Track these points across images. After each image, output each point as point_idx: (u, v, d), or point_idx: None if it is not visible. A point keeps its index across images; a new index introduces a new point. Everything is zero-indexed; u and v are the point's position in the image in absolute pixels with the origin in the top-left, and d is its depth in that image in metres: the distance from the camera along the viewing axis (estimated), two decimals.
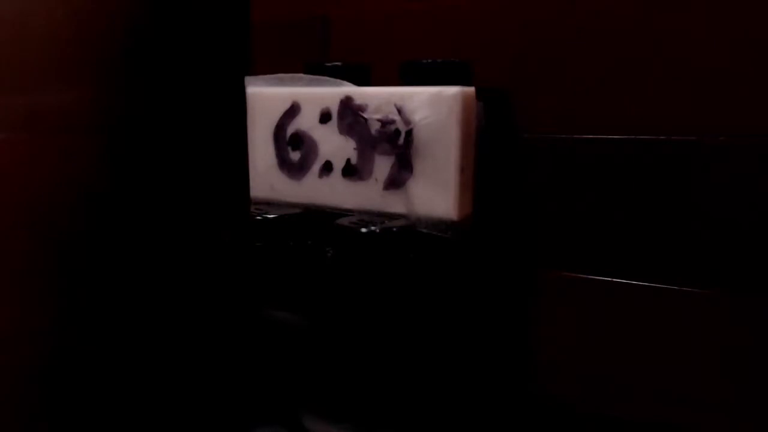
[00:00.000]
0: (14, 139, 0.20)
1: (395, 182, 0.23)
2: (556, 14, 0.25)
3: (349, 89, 0.24)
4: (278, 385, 0.26)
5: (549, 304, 0.27)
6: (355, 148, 0.24)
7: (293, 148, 0.25)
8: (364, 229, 0.22)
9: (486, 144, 0.24)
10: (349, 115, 0.24)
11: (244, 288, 0.26)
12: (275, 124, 0.26)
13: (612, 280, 0.26)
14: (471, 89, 0.22)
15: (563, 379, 0.27)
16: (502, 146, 0.26)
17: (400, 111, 0.23)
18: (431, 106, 0.22)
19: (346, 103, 0.24)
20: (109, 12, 0.21)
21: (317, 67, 0.25)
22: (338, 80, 0.24)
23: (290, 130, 0.25)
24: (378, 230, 0.22)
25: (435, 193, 0.22)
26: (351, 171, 0.24)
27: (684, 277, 0.24)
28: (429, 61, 0.23)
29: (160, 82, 0.23)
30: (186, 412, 0.24)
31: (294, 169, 0.25)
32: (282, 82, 0.25)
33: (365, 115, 0.23)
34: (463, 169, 0.22)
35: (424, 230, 0.23)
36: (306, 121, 0.25)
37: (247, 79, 0.25)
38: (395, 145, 0.23)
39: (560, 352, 0.27)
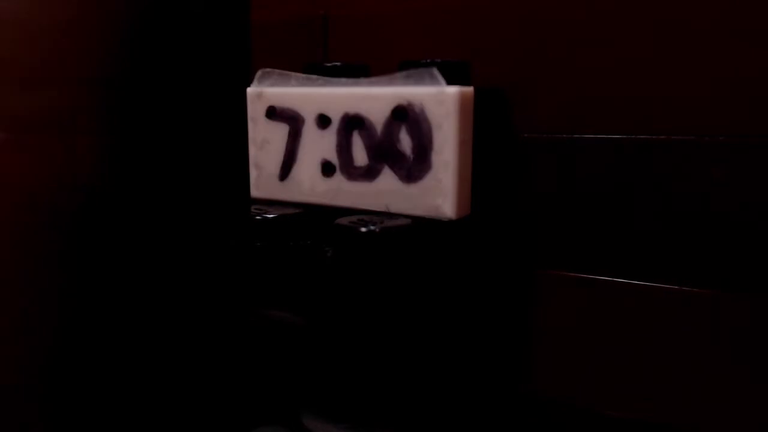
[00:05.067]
0: (14, 139, 0.20)
1: (394, 182, 0.23)
2: (556, 14, 0.25)
3: (348, 90, 0.24)
4: (278, 385, 0.26)
5: (549, 304, 0.27)
6: (353, 149, 0.24)
7: (292, 148, 0.25)
8: (363, 229, 0.22)
9: (485, 144, 0.24)
10: (349, 117, 0.24)
11: (244, 288, 0.26)
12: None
13: (612, 280, 0.26)
14: (470, 89, 0.22)
15: (563, 379, 0.27)
16: (501, 146, 0.26)
17: (397, 111, 0.23)
18: (430, 106, 0.22)
19: (347, 105, 0.24)
20: (109, 13, 0.21)
21: (317, 67, 0.25)
22: (339, 79, 0.24)
23: (290, 129, 0.25)
24: (377, 230, 0.22)
25: (433, 193, 0.22)
26: (349, 171, 0.24)
27: (684, 277, 0.24)
28: (428, 61, 0.23)
29: (160, 82, 0.23)
30: (187, 412, 0.24)
31: (293, 169, 0.25)
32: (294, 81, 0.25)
33: (363, 116, 0.23)
34: (461, 169, 0.22)
35: (423, 230, 0.23)
36: (306, 122, 0.25)
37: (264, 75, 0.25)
38: (394, 145, 0.23)
39: (560, 353, 0.27)
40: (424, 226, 0.23)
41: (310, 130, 0.25)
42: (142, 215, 0.23)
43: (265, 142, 0.26)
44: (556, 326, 0.27)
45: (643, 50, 0.24)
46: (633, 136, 0.24)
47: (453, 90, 0.21)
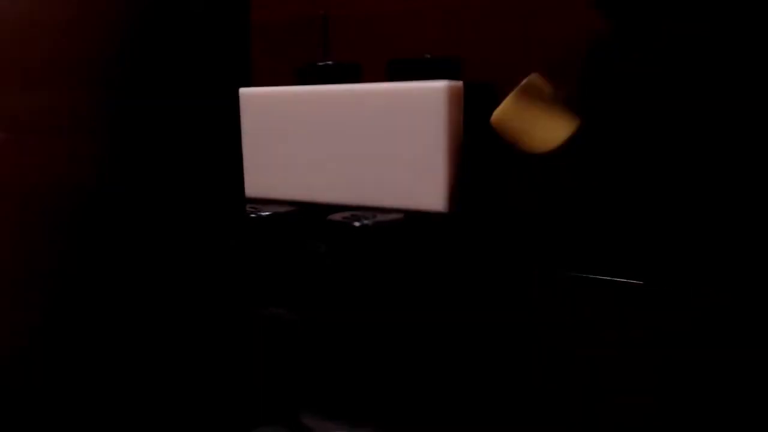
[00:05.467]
0: (14, 139, 0.21)
1: (387, 177, 0.23)
2: (556, 13, 0.25)
3: (340, 88, 0.24)
4: (278, 385, 0.26)
5: (548, 304, 0.26)
6: (344, 143, 0.24)
7: (286, 146, 0.25)
8: (356, 224, 0.22)
9: (476, 139, 0.24)
10: (340, 113, 0.24)
11: (240, 286, 0.27)
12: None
13: (612, 280, 0.25)
14: (458, 83, 0.22)
15: (563, 380, 0.27)
16: (491, 140, 0.26)
17: (388, 107, 0.23)
18: (419, 101, 0.22)
19: (340, 103, 0.24)
20: (109, 13, 0.21)
21: (309, 67, 0.25)
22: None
23: (284, 126, 0.25)
24: (370, 225, 0.22)
25: (425, 187, 0.22)
26: (344, 168, 0.24)
27: (684, 277, 0.24)
28: (416, 58, 0.23)
29: (160, 82, 0.24)
30: (186, 412, 0.24)
31: (287, 167, 0.25)
32: None
33: (356, 114, 0.23)
34: (452, 163, 0.22)
35: (416, 224, 0.23)
36: (298, 118, 0.25)
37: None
38: (384, 139, 0.23)
39: (560, 352, 0.26)
40: (416, 220, 0.23)
41: (303, 128, 0.25)
42: (142, 215, 0.23)
43: (259, 140, 0.26)
44: (554, 325, 0.26)
45: None
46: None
47: (442, 84, 0.22)
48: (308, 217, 0.24)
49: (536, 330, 0.27)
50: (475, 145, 0.24)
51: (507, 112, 0.23)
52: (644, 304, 0.25)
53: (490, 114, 0.26)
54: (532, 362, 0.27)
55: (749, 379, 0.23)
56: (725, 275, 0.23)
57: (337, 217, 0.23)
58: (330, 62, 0.26)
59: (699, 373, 0.24)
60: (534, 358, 0.27)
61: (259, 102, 0.26)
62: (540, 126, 0.23)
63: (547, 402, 0.27)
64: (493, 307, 0.27)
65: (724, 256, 0.23)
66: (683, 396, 0.24)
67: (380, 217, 0.22)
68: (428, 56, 0.23)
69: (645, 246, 0.25)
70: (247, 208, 0.25)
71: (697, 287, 0.24)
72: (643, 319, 0.25)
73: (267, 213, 0.24)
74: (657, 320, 0.25)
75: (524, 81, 0.23)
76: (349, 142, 0.24)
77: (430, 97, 0.22)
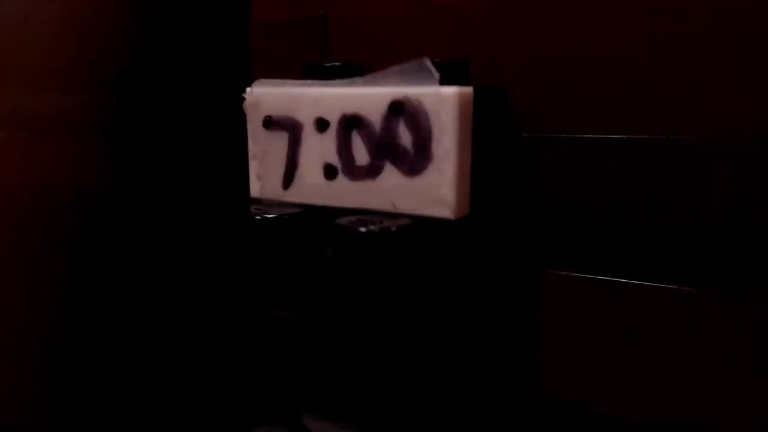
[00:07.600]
0: (14, 139, 0.20)
1: (397, 177, 0.23)
2: (558, 15, 0.25)
3: (343, 90, 0.24)
4: (278, 385, 0.26)
5: (549, 304, 0.27)
6: (353, 149, 0.24)
7: (293, 155, 0.25)
8: (363, 229, 0.22)
9: (485, 144, 0.24)
10: (347, 118, 0.24)
11: (244, 288, 0.26)
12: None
13: (612, 280, 0.25)
14: (469, 89, 0.22)
15: (563, 380, 0.27)
16: (501, 146, 0.26)
17: (394, 106, 0.23)
18: (429, 107, 0.22)
19: (344, 106, 0.24)
20: (109, 12, 0.21)
21: (315, 67, 0.25)
22: (334, 81, 0.24)
23: (290, 137, 0.25)
24: (377, 230, 0.22)
25: (437, 184, 0.22)
26: (352, 171, 0.24)
27: (684, 277, 0.24)
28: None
29: (160, 82, 0.23)
30: (186, 412, 0.24)
31: (296, 176, 0.25)
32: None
33: (361, 115, 0.23)
34: (462, 162, 0.22)
35: (423, 230, 0.23)
36: (305, 128, 0.25)
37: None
38: (393, 140, 0.23)
39: (561, 353, 0.27)
40: (424, 226, 0.23)
41: (309, 135, 0.25)
42: (143, 216, 0.23)
43: (265, 153, 0.26)
44: (555, 326, 0.27)
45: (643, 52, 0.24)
46: (633, 136, 0.24)
47: (452, 90, 0.21)
48: (314, 221, 0.24)
49: (541, 334, 0.27)
50: (484, 151, 0.24)
51: None
52: (648, 305, 0.25)
53: (501, 119, 0.26)
54: (535, 367, 0.27)
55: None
56: (727, 276, 0.24)
57: (344, 221, 0.23)
58: (337, 63, 0.25)
59: (701, 372, 0.24)
60: (538, 364, 0.27)
61: (263, 112, 0.25)
62: None
63: (548, 403, 0.27)
64: (497, 313, 0.27)
65: (725, 257, 0.23)
66: (684, 394, 0.25)
67: (387, 223, 0.22)
68: (436, 60, 0.23)
69: (647, 246, 0.25)
70: (253, 210, 0.24)
71: (699, 288, 0.24)
72: (646, 319, 0.25)
73: (272, 215, 0.24)
74: (659, 320, 0.25)
75: None
76: (358, 144, 0.24)
77: (439, 103, 0.22)
